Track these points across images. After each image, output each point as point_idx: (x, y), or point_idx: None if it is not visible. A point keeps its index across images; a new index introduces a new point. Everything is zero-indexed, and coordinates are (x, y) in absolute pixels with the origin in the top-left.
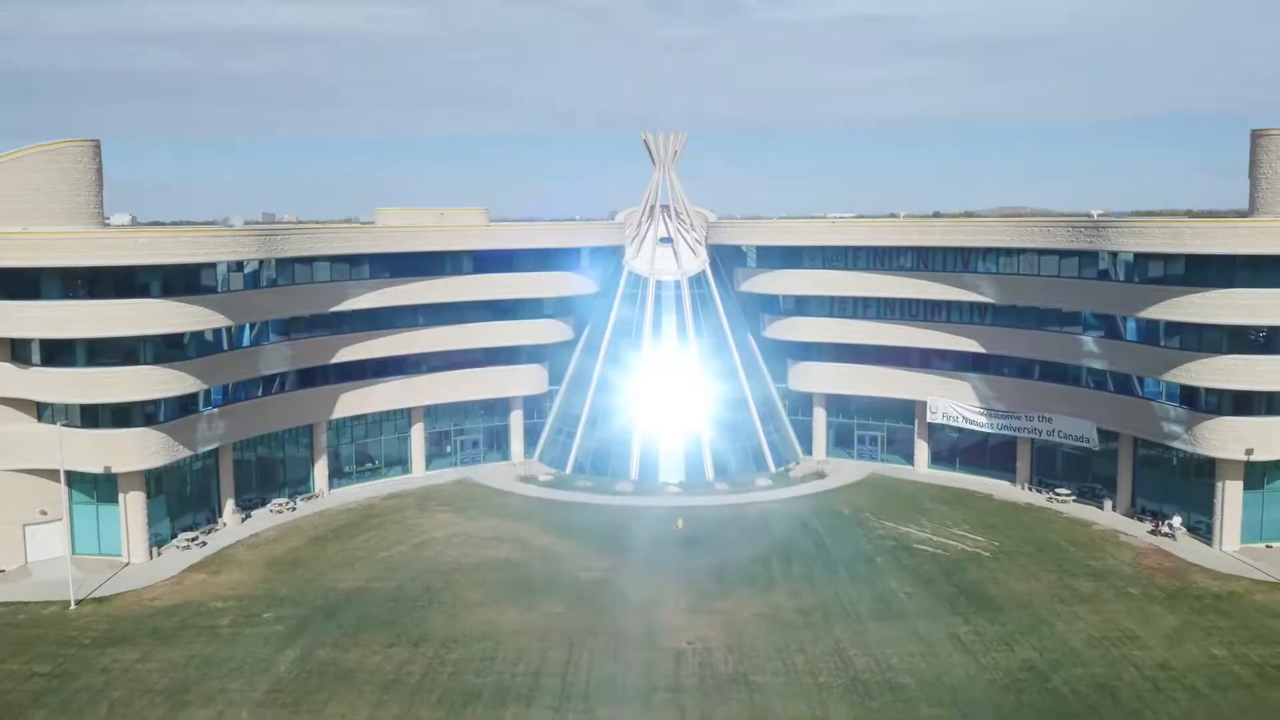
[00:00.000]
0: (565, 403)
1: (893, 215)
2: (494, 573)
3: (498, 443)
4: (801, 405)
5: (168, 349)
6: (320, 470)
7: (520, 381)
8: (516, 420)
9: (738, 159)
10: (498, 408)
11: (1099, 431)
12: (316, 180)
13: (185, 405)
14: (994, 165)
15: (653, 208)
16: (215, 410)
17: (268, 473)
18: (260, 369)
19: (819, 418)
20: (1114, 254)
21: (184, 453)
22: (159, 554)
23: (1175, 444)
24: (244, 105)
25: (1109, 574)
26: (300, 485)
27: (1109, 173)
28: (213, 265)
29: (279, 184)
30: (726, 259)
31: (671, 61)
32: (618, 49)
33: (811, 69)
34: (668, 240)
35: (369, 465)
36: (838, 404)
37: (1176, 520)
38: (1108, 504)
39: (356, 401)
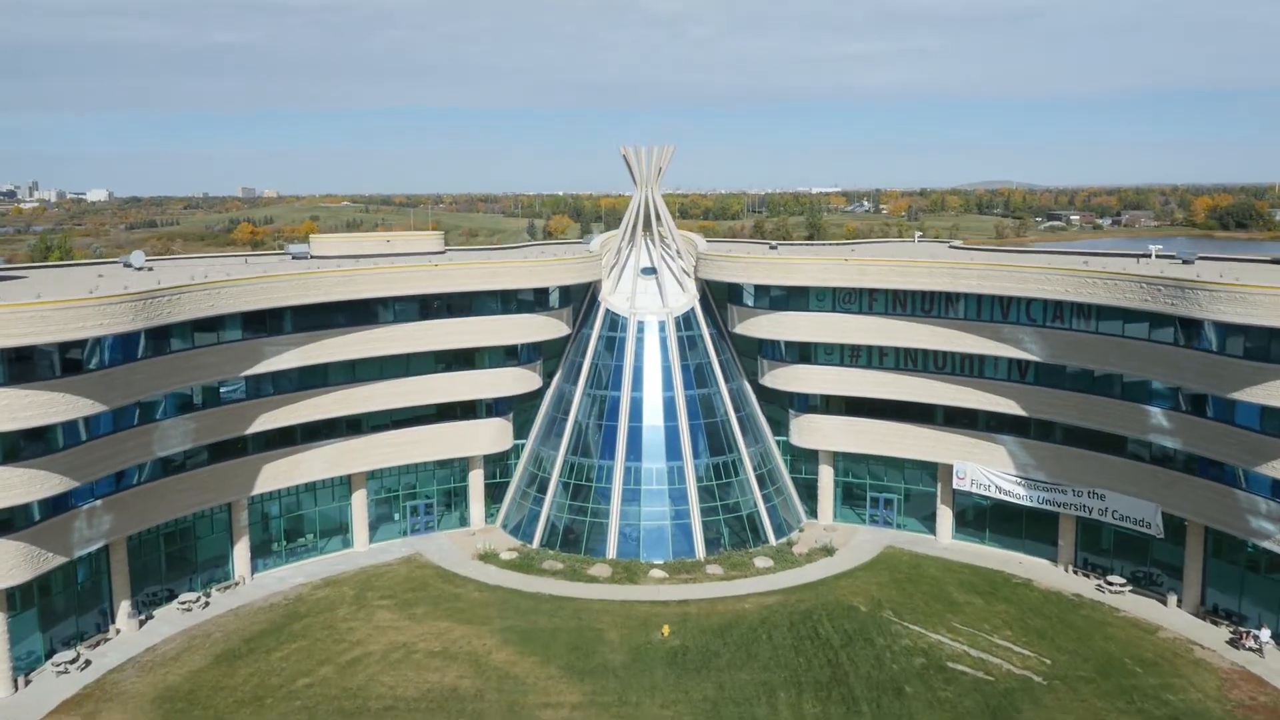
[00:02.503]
0: (533, 461)
1: (921, 232)
2: (437, 713)
3: (455, 503)
4: (805, 459)
5: (27, 443)
6: (241, 553)
7: (479, 438)
8: (476, 480)
9: (724, 133)
10: (454, 465)
11: (1163, 515)
12: (296, 154)
13: (56, 504)
14: (980, 140)
15: (634, 231)
16: (98, 503)
17: (176, 559)
18: (154, 450)
19: (825, 476)
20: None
21: (55, 561)
22: (28, 682)
23: (1266, 544)
24: (225, 78)
25: (1192, 715)
26: (217, 570)
27: (1094, 147)
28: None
29: (259, 158)
30: (719, 291)
31: (659, 35)
32: (604, 22)
33: (798, 42)
34: (651, 271)
35: (302, 541)
36: (847, 460)
37: (1265, 633)
38: (1172, 598)
39: (283, 473)
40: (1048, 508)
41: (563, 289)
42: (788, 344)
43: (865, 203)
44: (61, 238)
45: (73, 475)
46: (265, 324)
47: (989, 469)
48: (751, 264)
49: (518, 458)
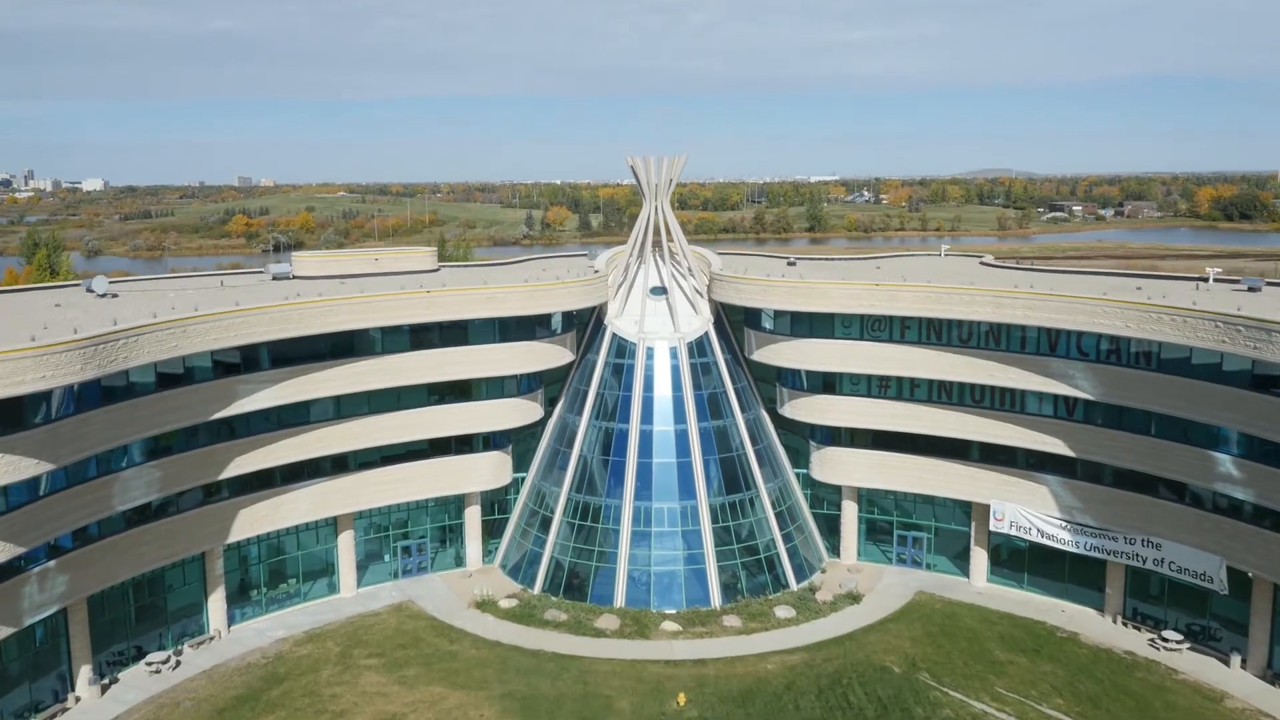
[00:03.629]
0: (534, 496)
1: (948, 245)
2: None
3: (450, 539)
4: (827, 491)
5: None
6: (216, 604)
7: (476, 474)
8: (473, 517)
9: (722, 120)
10: (449, 501)
11: (1228, 569)
12: (293, 143)
13: (1, 570)
14: (978, 128)
15: (642, 247)
16: (52, 564)
17: (146, 611)
18: (115, 504)
19: (849, 512)
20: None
21: (2, 633)
22: None
23: None
24: (223, 66)
25: None
26: (190, 623)
27: (1093, 135)
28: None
29: (256, 146)
30: (734, 311)
31: (657, 21)
32: (602, 9)
33: (798, 29)
34: (660, 291)
35: (284, 587)
36: (873, 494)
37: None
38: (1235, 659)
39: (261, 517)
40: (1095, 555)
41: (566, 313)
42: (810, 373)
43: (865, 192)
44: (52, 232)
45: (17, 541)
46: (238, 361)
47: (1030, 510)
48: (770, 287)
49: (517, 492)
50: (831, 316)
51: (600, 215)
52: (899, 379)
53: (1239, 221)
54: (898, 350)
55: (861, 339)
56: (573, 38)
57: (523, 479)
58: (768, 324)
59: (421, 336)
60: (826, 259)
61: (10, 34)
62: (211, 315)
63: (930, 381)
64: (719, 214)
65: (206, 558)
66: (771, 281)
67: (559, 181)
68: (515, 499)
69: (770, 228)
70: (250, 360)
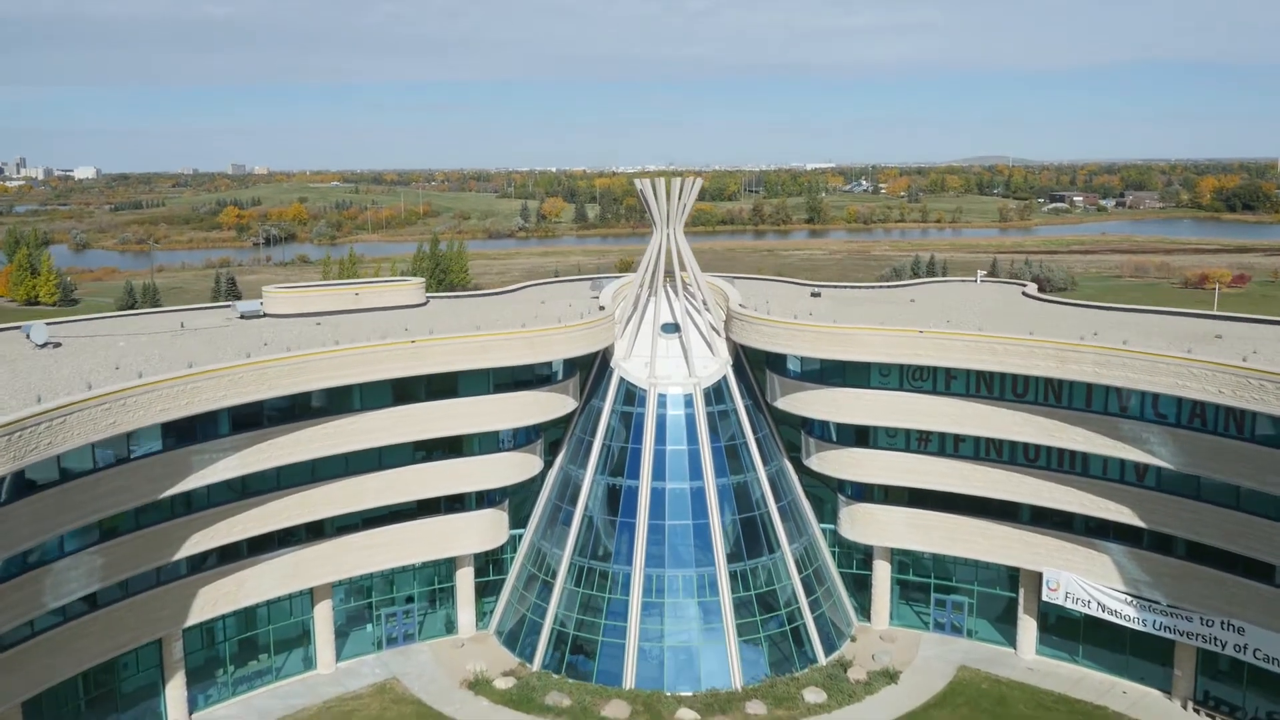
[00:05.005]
0: (533, 558)
1: (984, 272)
2: None
3: (441, 601)
4: (857, 549)
5: None
6: (175, 693)
7: (468, 535)
8: (465, 580)
9: (720, 107)
10: (440, 562)
11: None
12: (288, 129)
13: None
14: (976, 114)
15: (652, 279)
16: None
17: (97, 705)
18: (46, 601)
19: (881, 573)
20: None
21: None
22: None
23: None
24: (218, 52)
25: None
26: (147, 712)
27: (1090, 121)
28: None
29: (250, 133)
30: (754, 351)
31: (655, 7)
32: None
33: (797, 15)
34: (673, 329)
35: (254, 664)
36: (908, 553)
37: None
38: None
39: (225, 595)
40: (1166, 635)
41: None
42: (841, 425)
43: (863, 181)
44: (34, 230)
45: None
46: (193, 430)
47: (1089, 582)
48: (798, 332)
49: (514, 551)
50: (868, 364)
51: (597, 206)
52: (942, 433)
53: (1242, 213)
54: (944, 404)
55: (901, 389)
56: (570, 24)
57: (520, 535)
58: (794, 368)
59: (406, 389)
60: (852, 287)
61: (4, 20)
62: (158, 383)
63: (978, 436)
64: (716, 205)
65: (163, 642)
66: (800, 325)
67: (555, 169)
68: (512, 558)
69: (769, 219)
70: (207, 427)
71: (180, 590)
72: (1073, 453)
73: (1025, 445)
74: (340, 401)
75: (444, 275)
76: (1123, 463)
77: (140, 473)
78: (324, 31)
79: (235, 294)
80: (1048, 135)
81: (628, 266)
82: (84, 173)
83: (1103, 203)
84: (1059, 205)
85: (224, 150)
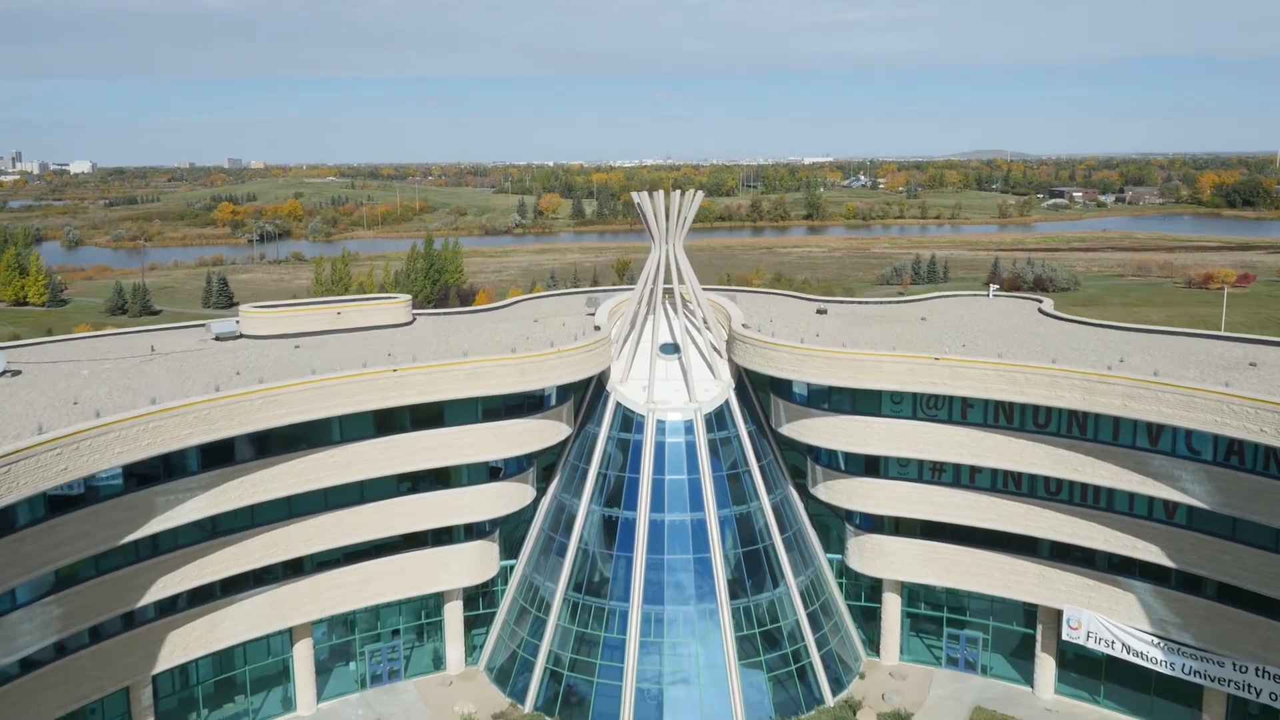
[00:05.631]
0: (525, 591)
1: (997, 287)
2: None
3: (428, 635)
4: (865, 579)
5: None
6: None
7: (456, 568)
8: (453, 614)
9: (718, 101)
10: (426, 596)
11: None
12: (284, 124)
13: None
14: (974, 108)
15: (651, 297)
16: None
17: None
18: None
19: (891, 606)
20: None
21: None
22: None
23: None
24: (214, 46)
25: None
26: None
27: (1088, 115)
28: None
29: (246, 127)
30: (759, 374)
31: (652, 0)
32: None
33: (796, 8)
34: (672, 350)
35: (230, 707)
36: (920, 585)
37: None
38: None
39: (196, 639)
40: (1195, 680)
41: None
42: (849, 455)
43: (862, 177)
44: (22, 231)
45: None
46: (157, 470)
47: (1113, 621)
48: (806, 357)
49: (505, 582)
50: (879, 391)
51: (594, 202)
52: (957, 465)
53: (1242, 209)
54: (959, 434)
55: (914, 417)
56: (568, 17)
57: (511, 566)
58: (800, 392)
59: (389, 418)
60: (859, 302)
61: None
62: (115, 424)
63: (994, 469)
64: (715, 200)
65: (131, 689)
66: (808, 350)
67: (552, 164)
68: (503, 590)
69: (767, 215)
70: (173, 466)
71: (148, 636)
72: (1096, 487)
73: (1046, 478)
74: (318, 433)
75: (438, 275)
76: (1151, 499)
77: (99, 518)
78: (322, 25)
79: (226, 295)
80: (1046, 130)
81: (625, 266)
82: (79, 167)
83: (1102, 198)
84: (1058, 201)
85: (221, 144)
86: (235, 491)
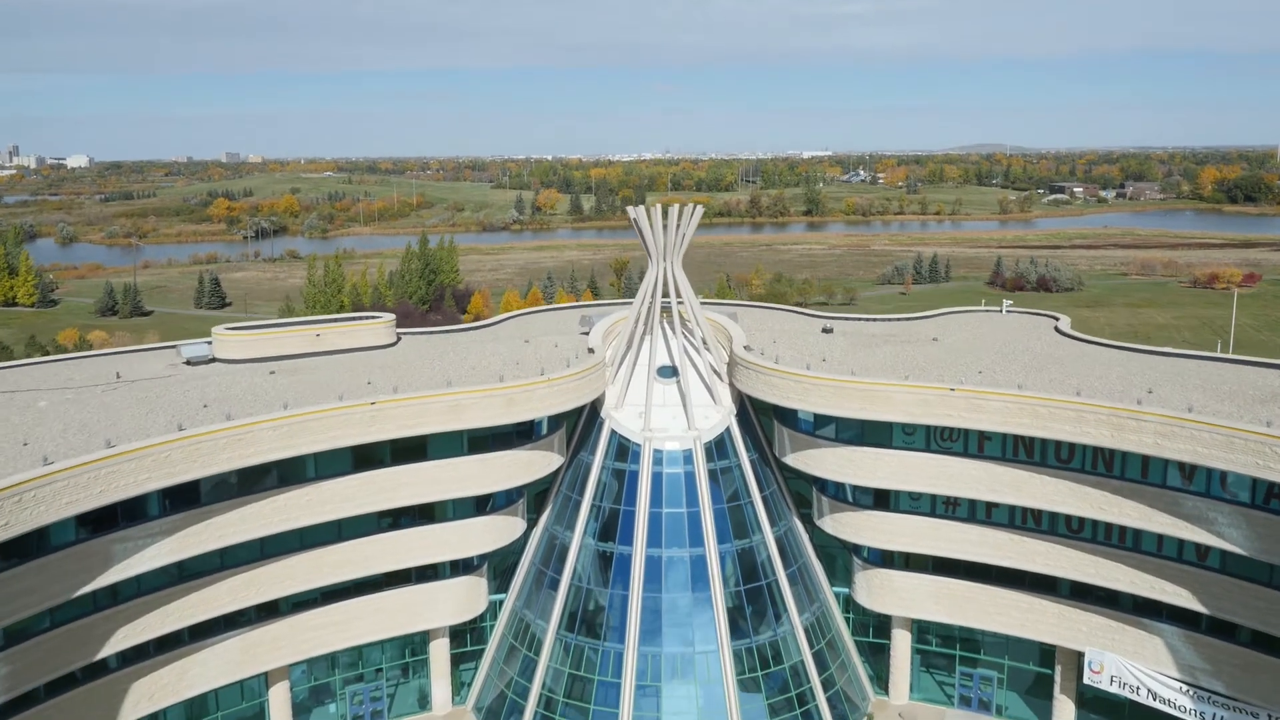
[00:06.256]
0: (515, 629)
1: (1010, 301)
2: None
3: (414, 672)
4: (874, 615)
5: None
6: None
7: (442, 605)
8: (439, 652)
9: (717, 94)
10: (411, 635)
11: None
12: (282, 117)
13: None
14: (973, 102)
15: (648, 316)
16: None
17: None
18: None
19: (900, 643)
20: None
21: None
22: None
23: None
24: (213, 40)
25: None
26: None
27: (1087, 108)
28: None
29: (244, 121)
30: (761, 400)
31: None
32: None
33: (795, 1)
34: (670, 373)
35: None
36: (931, 622)
37: None
38: None
39: (164, 688)
40: None
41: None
42: (859, 486)
43: (861, 172)
44: (12, 230)
45: None
46: (114, 516)
47: (1138, 665)
48: (812, 386)
49: (494, 618)
50: (889, 424)
51: (592, 197)
52: (973, 500)
53: (1244, 204)
54: (976, 468)
55: (928, 449)
56: (567, 10)
57: (501, 601)
58: (806, 420)
59: (368, 451)
60: (866, 319)
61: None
62: (66, 471)
63: (1013, 506)
64: (713, 196)
65: None
66: (815, 379)
67: (550, 158)
68: (492, 625)
69: (766, 211)
70: (133, 510)
71: (111, 686)
72: (1122, 526)
73: (1068, 515)
74: (292, 469)
75: (434, 276)
76: (1181, 540)
77: (49, 570)
78: (322, 19)
79: (219, 295)
80: (1045, 123)
81: (624, 266)
82: (76, 161)
83: (1103, 194)
84: (1059, 197)
85: (218, 139)
86: (202, 535)
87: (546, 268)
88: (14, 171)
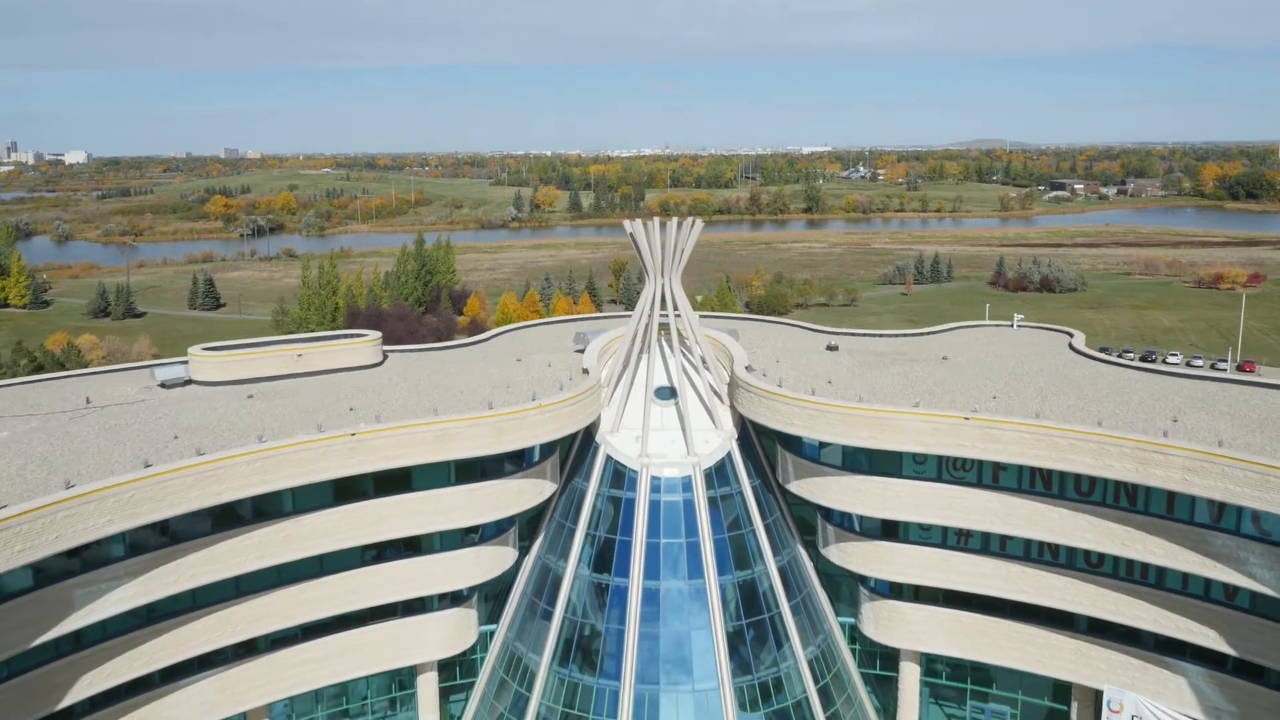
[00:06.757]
0: (506, 662)
1: (1020, 315)
2: None
3: (403, 706)
4: (881, 646)
5: None
6: None
7: (430, 639)
8: (428, 685)
9: (716, 89)
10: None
11: None
12: (281, 113)
13: None
14: (972, 97)
15: (645, 335)
16: None
17: None
18: None
19: (909, 677)
20: None
21: None
22: None
23: None
24: (212, 35)
25: None
26: None
27: (1087, 104)
28: None
29: (243, 117)
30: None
31: None
32: None
33: None
34: (669, 394)
35: None
36: (941, 656)
37: None
38: None
39: None
40: None
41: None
42: (864, 518)
43: (861, 168)
44: (4, 229)
45: None
46: (76, 559)
47: (1160, 706)
48: (819, 413)
49: (485, 649)
50: (899, 453)
51: (591, 194)
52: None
53: (1245, 201)
54: (990, 499)
55: (939, 479)
56: (567, 5)
57: (491, 632)
58: (811, 446)
59: (349, 484)
60: (874, 335)
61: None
62: (18, 517)
63: (1028, 539)
64: (713, 193)
65: None
66: (821, 405)
67: (549, 153)
68: (482, 657)
69: (766, 209)
70: (94, 554)
71: None
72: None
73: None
74: (268, 503)
75: (430, 277)
76: (1208, 579)
77: (5, 619)
78: (321, 14)
79: (213, 296)
80: (1044, 119)
81: (622, 266)
82: (74, 157)
83: (1104, 190)
84: (1060, 194)
85: (217, 134)
86: (171, 576)
87: (545, 267)
88: (12, 168)
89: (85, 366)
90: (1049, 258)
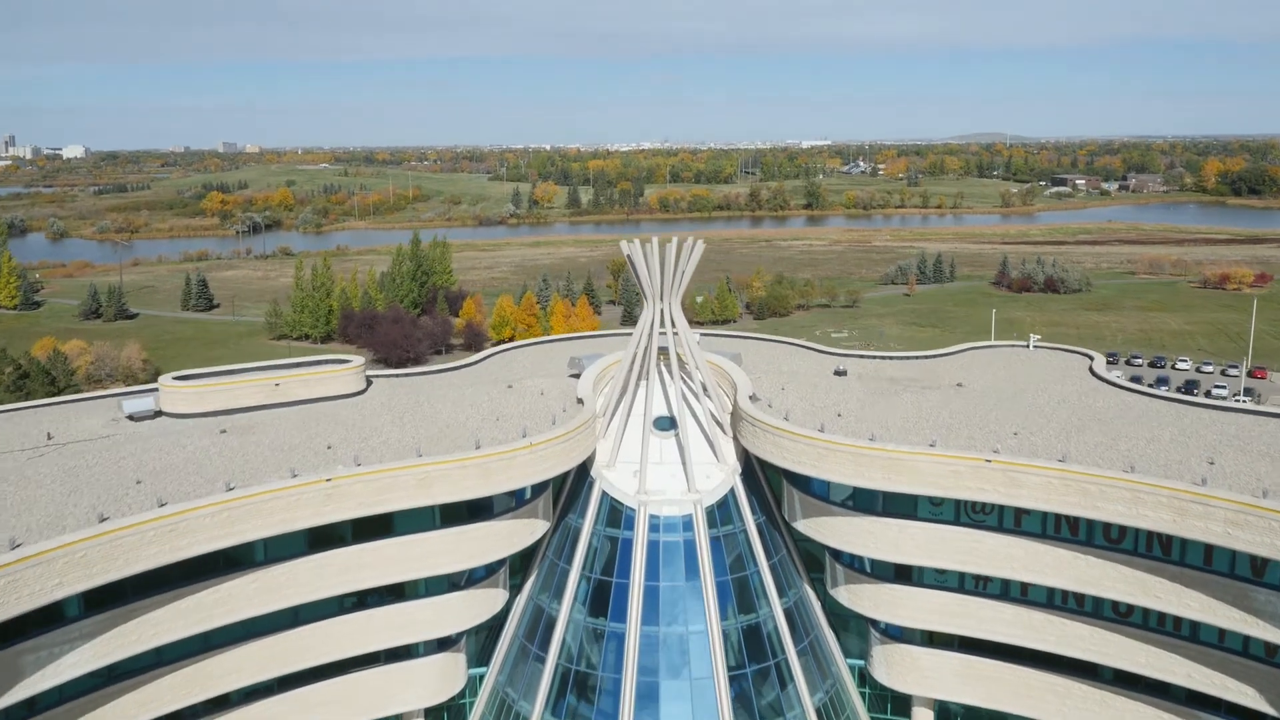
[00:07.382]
0: (496, 708)
1: (1038, 336)
2: None
3: None
4: (893, 694)
5: None
6: None
7: (416, 686)
8: None
9: (716, 83)
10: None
11: None
12: (280, 107)
13: None
14: (972, 91)
15: (644, 361)
16: None
17: None
18: None
19: None
20: None
21: None
22: None
23: None
24: (211, 28)
25: None
26: None
27: (1086, 97)
28: None
29: (242, 110)
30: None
31: None
32: None
33: None
34: (668, 425)
35: None
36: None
37: None
38: None
39: None
40: None
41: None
42: (876, 560)
43: (861, 163)
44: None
45: None
46: (24, 622)
47: None
48: (828, 452)
49: (474, 694)
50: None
51: (590, 190)
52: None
53: (1248, 197)
54: (1013, 545)
55: (958, 522)
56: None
57: (481, 676)
58: (820, 484)
59: (326, 530)
60: (884, 357)
61: None
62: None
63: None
64: (713, 189)
65: None
66: (831, 444)
67: (548, 147)
68: (471, 702)
69: (767, 205)
70: (45, 616)
71: None
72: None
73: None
74: (238, 552)
75: (426, 277)
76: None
77: None
78: (320, 8)
79: (206, 296)
80: (1044, 112)
81: (621, 268)
82: (72, 151)
83: (1105, 186)
84: (1061, 189)
85: (215, 128)
86: (132, 635)
87: (543, 266)
88: (9, 162)
89: (72, 374)
90: (1053, 257)
